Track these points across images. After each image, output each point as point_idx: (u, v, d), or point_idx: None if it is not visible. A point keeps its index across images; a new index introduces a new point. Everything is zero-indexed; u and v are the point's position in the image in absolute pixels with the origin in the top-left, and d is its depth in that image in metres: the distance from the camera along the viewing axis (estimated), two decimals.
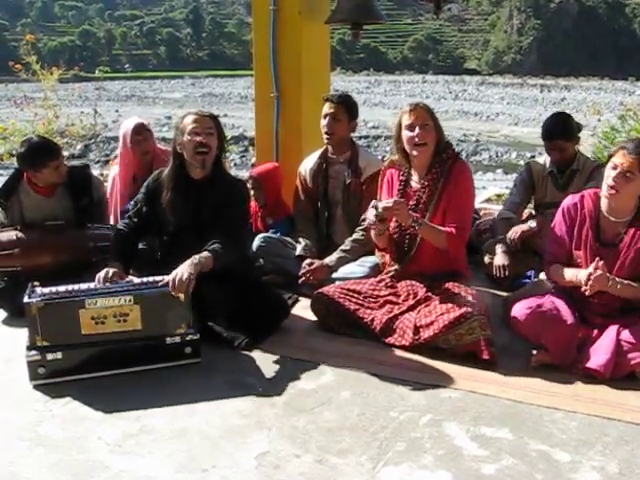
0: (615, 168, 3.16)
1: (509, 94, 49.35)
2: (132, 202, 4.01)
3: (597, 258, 3.12)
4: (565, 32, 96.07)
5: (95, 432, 2.76)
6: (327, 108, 4.42)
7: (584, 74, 75.75)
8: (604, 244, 3.26)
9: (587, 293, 3.13)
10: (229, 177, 3.88)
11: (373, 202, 3.54)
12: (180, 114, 3.90)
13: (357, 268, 4.24)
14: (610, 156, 3.24)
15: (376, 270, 4.09)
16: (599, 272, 3.07)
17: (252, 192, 4.93)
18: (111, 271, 3.42)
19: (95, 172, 5.30)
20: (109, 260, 3.59)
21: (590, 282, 3.08)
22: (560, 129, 4.45)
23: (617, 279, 3.13)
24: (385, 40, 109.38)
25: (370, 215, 3.51)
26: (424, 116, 3.65)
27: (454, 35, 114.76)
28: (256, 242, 4.52)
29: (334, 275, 4.24)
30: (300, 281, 4.25)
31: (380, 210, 3.46)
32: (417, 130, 3.62)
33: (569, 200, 3.44)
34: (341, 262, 4.30)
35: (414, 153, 3.69)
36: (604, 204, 3.30)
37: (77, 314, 3.15)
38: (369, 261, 4.22)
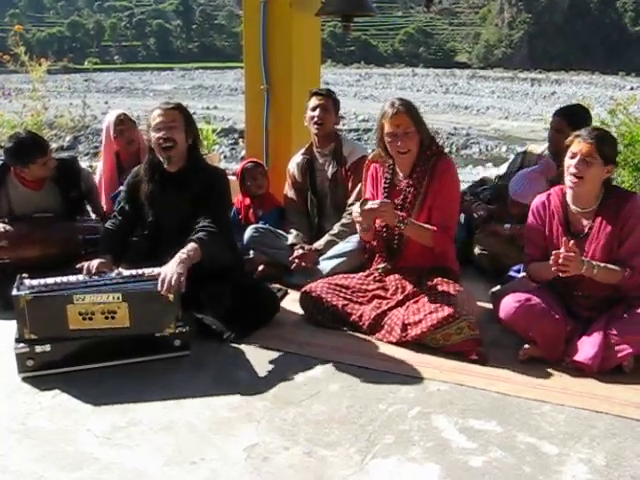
0: (574, 156, 3.21)
1: (499, 88, 49.43)
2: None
3: (564, 239, 3.12)
4: (556, 26, 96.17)
5: (84, 424, 2.76)
6: (316, 100, 4.56)
7: (575, 68, 75.86)
8: (575, 236, 3.28)
9: (561, 275, 3.12)
10: (207, 167, 3.86)
11: (356, 205, 3.53)
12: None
13: (344, 245, 4.36)
14: (567, 147, 3.28)
15: (362, 244, 4.13)
16: (571, 253, 3.08)
17: (255, 181, 4.92)
18: (97, 261, 3.42)
19: (84, 164, 5.30)
20: (98, 253, 3.59)
21: (560, 261, 3.07)
22: (567, 110, 4.56)
23: (593, 262, 3.15)
24: (376, 33, 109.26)
25: (355, 212, 3.51)
26: (406, 123, 3.57)
27: (445, 28, 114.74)
28: (248, 233, 4.55)
29: (322, 257, 4.34)
30: (292, 267, 4.30)
31: (366, 209, 3.45)
32: (399, 140, 3.58)
33: (537, 200, 3.51)
34: (329, 246, 4.41)
35: (398, 158, 3.70)
36: (569, 197, 3.35)
37: (65, 309, 3.13)
38: (355, 236, 4.23)
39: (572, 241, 3.11)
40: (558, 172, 4.38)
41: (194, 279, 3.33)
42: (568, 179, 3.26)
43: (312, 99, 4.59)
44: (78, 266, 3.41)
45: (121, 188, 4.20)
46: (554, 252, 3.12)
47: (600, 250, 3.25)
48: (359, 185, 4.28)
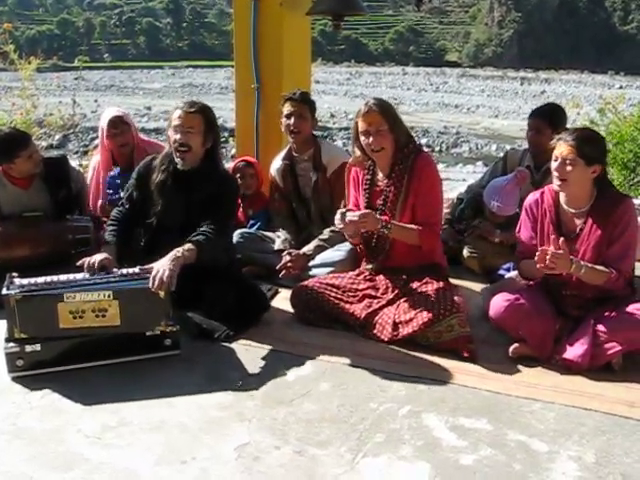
0: (556, 159, 3.23)
1: (489, 86, 49.57)
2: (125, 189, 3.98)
3: (553, 237, 3.15)
4: (545, 25, 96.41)
5: (74, 424, 2.75)
6: (290, 107, 4.43)
7: (564, 67, 76.01)
8: (565, 236, 3.28)
9: (546, 271, 3.14)
10: (222, 172, 3.85)
11: (337, 214, 3.53)
12: (173, 105, 3.83)
13: (334, 253, 4.24)
14: (552, 149, 3.30)
15: (353, 254, 4.10)
16: (560, 251, 3.09)
17: (244, 179, 4.89)
18: (99, 257, 3.38)
19: (74, 163, 5.27)
20: (103, 243, 3.58)
21: (548, 258, 3.07)
22: (544, 110, 4.52)
23: (581, 262, 3.16)
24: (366, 31, 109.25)
25: (337, 221, 3.51)
26: (378, 121, 3.58)
27: (435, 27, 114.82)
28: (234, 239, 4.47)
29: (311, 263, 4.25)
30: (281, 275, 4.22)
31: (347, 221, 3.46)
32: (371, 137, 3.59)
33: (530, 197, 3.52)
34: (319, 251, 4.30)
35: (373, 157, 3.70)
36: (562, 197, 3.36)
37: (55, 308, 3.11)
38: (346, 245, 4.21)
39: (562, 239, 3.13)
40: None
41: (195, 276, 3.32)
42: (554, 182, 3.29)
43: (286, 105, 4.45)
44: (79, 263, 3.36)
45: (121, 194, 4.16)
46: (540, 249, 3.14)
47: (590, 251, 3.26)
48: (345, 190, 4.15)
